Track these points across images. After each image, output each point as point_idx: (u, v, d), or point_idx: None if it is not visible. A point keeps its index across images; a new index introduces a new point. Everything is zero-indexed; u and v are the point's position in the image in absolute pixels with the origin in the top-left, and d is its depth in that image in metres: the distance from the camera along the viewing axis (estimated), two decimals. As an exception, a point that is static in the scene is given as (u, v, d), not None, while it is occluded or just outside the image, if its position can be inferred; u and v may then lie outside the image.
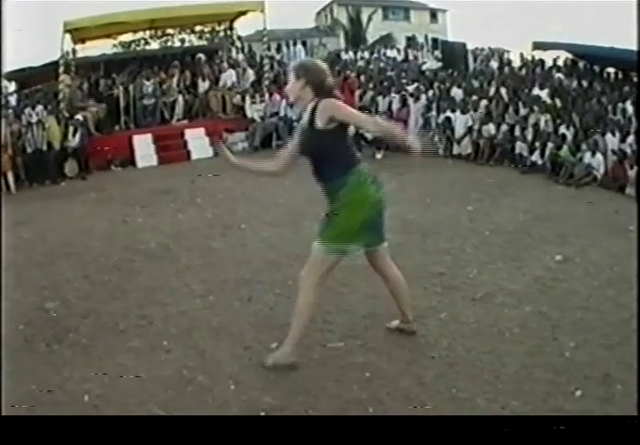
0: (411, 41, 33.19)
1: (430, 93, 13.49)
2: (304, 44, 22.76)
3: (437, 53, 22.34)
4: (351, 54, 22.23)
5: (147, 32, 23.78)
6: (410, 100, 13.24)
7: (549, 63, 15.16)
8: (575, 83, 12.76)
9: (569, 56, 14.87)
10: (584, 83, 12.65)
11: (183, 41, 26.32)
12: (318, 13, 43.67)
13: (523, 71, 15.15)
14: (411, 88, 13.76)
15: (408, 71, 16.49)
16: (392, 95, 13.67)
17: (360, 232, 3.71)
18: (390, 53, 22.79)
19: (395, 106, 13.42)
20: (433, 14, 44.55)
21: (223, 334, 4.64)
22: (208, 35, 26.10)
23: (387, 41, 30.54)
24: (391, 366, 3.93)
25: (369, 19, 35.38)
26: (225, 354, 4.31)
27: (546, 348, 4.07)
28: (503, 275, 5.39)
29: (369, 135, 12.24)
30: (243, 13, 16.32)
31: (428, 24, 42.77)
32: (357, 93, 13.79)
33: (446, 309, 4.72)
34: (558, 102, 11.31)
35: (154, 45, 23.81)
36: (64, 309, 5.39)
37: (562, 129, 10.34)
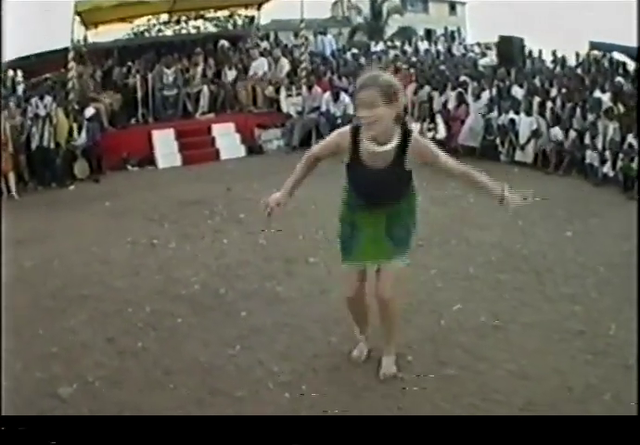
0: (431, 33, 32.41)
1: (489, 91, 11.78)
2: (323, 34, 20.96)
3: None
4: (381, 45, 20.53)
5: (161, 19, 22.53)
6: (469, 98, 11.58)
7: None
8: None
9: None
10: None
11: (197, 28, 25.15)
12: (335, 3, 42.43)
13: (579, 71, 13.49)
14: (469, 85, 12.04)
15: (459, 66, 14.76)
16: (449, 91, 11.96)
17: None
18: (422, 45, 20.99)
19: (452, 104, 11.70)
20: (452, 6, 43.47)
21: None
22: (223, 23, 24.87)
23: (407, 33, 29.07)
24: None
25: (391, 10, 33.92)
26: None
27: None
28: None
29: (428, 135, 10.56)
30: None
31: (447, 16, 41.59)
32: (412, 87, 12.00)
33: (607, 387, 3.57)
34: (621, 108, 9.81)
35: (168, 33, 22.54)
36: (86, 399, 3.67)
37: (630, 138, 8.89)
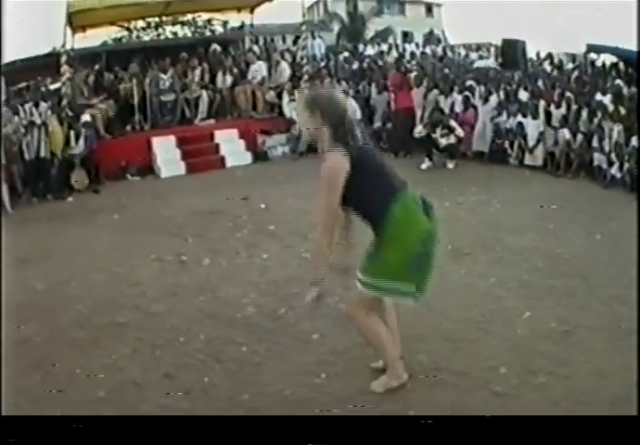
0: (408, 36, 32.22)
1: (496, 95, 11.50)
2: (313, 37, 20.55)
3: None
4: (369, 48, 20.16)
5: (139, 25, 22.33)
6: (478, 102, 11.35)
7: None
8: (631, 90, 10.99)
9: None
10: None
11: (175, 34, 25.05)
12: (310, 7, 42.10)
13: (575, 74, 13.30)
14: (476, 89, 11.81)
15: (460, 69, 14.51)
16: (455, 95, 11.65)
17: (406, 270, 3.19)
18: (409, 47, 20.64)
19: (458, 107, 11.42)
20: (429, 8, 43.74)
21: None
22: (201, 28, 24.71)
23: (385, 35, 28.86)
24: None
25: (370, 13, 33.69)
26: None
27: None
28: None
29: (443, 141, 10.24)
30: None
31: (424, 18, 41.77)
32: (420, 91, 11.73)
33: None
34: (622, 110, 9.70)
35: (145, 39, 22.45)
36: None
37: (634, 141, 8.88)
